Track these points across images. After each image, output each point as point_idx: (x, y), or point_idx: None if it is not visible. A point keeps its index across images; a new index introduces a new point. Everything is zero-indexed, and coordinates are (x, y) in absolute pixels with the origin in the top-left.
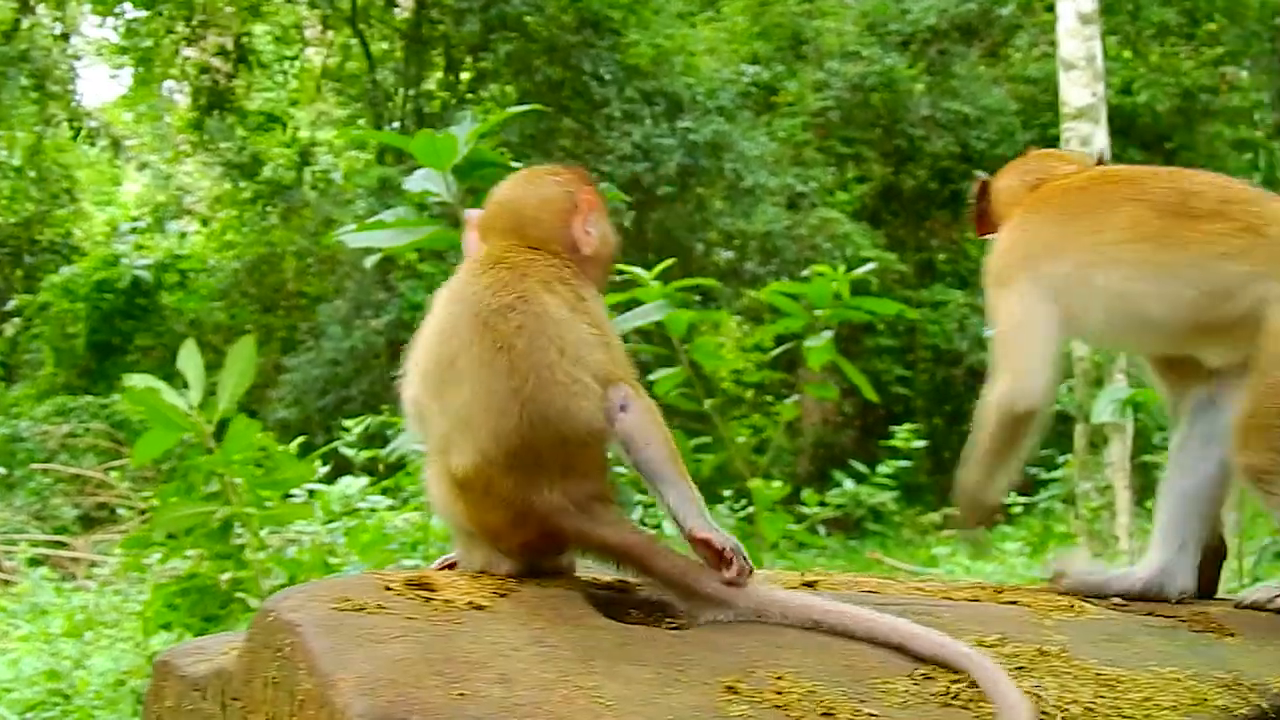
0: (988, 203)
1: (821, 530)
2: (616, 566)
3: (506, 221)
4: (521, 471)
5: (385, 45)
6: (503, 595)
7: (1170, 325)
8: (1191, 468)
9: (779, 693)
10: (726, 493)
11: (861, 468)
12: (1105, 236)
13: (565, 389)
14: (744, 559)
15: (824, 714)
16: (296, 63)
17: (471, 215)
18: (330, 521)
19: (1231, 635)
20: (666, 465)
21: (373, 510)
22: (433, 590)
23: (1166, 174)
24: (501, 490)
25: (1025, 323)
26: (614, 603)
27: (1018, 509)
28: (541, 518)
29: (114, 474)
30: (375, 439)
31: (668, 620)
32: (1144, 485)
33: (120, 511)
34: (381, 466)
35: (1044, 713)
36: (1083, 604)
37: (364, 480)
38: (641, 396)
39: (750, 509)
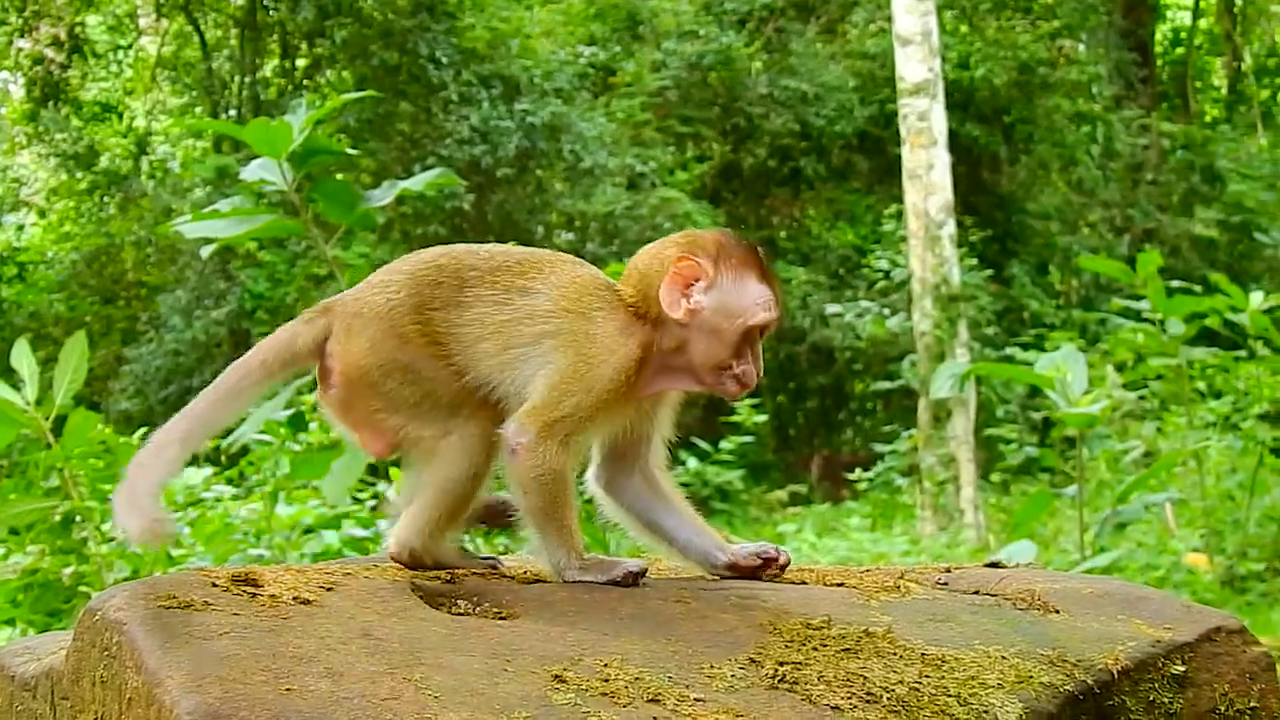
0: None
1: None
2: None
3: (629, 270)
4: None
5: (220, 32)
6: (329, 589)
7: None
8: None
9: (606, 680)
10: None
11: (705, 445)
12: None
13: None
14: (636, 569)
15: (650, 700)
16: (131, 52)
17: None
18: (174, 512)
19: (1056, 612)
20: (531, 519)
21: (218, 500)
22: (258, 586)
23: None
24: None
25: None
26: (441, 594)
27: (863, 484)
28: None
29: None
30: None
31: (495, 610)
32: (988, 459)
33: None
34: (224, 456)
35: (870, 694)
36: (908, 584)
37: (208, 470)
38: (535, 449)
39: None
